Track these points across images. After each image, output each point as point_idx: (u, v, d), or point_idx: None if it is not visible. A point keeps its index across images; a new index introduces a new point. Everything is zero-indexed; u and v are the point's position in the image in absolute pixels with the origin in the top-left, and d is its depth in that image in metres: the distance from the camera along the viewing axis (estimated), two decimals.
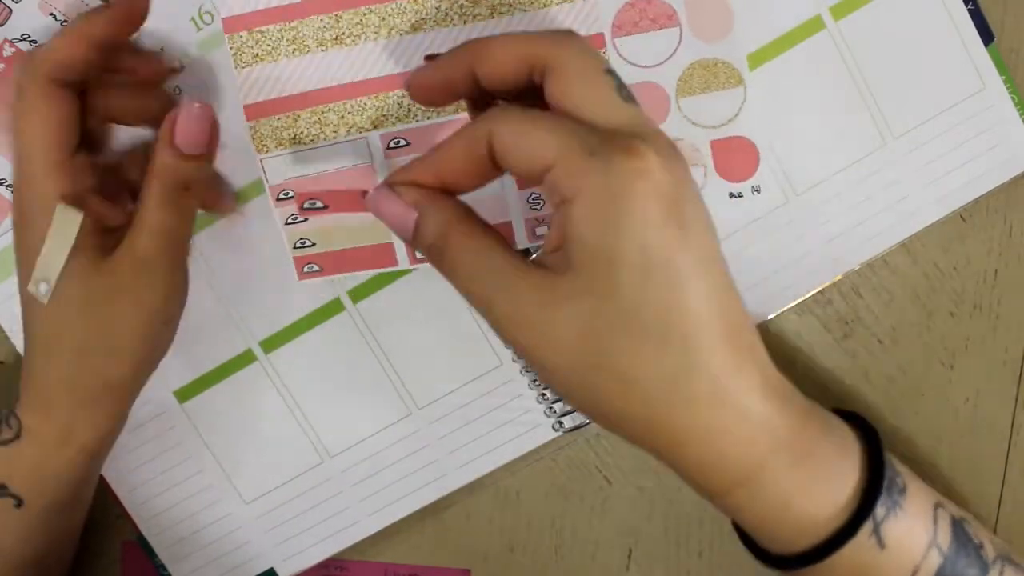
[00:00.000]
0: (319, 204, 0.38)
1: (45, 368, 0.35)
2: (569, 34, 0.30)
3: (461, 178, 0.30)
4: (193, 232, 0.42)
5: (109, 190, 0.37)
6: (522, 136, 0.28)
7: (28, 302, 0.35)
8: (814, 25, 0.40)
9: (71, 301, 0.34)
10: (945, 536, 0.32)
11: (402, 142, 0.39)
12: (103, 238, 0.35)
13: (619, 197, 0.27)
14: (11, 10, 0.40)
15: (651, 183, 0.27)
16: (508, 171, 0.29)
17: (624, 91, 0.29)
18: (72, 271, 0.34)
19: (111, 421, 0.37)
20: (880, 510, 0.30)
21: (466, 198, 0.31)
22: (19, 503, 0.36)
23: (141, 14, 0.36)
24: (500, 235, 0.30)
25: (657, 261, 0.27)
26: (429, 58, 0.34)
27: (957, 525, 0.32)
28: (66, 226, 0.34)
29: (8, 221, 0.41)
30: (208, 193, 0.40)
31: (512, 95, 0.31)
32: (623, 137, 0.27)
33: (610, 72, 0.29)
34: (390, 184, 0.30)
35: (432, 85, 0.32)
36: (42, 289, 0.34)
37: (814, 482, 0.29)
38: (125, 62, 0.38)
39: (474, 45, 0.30)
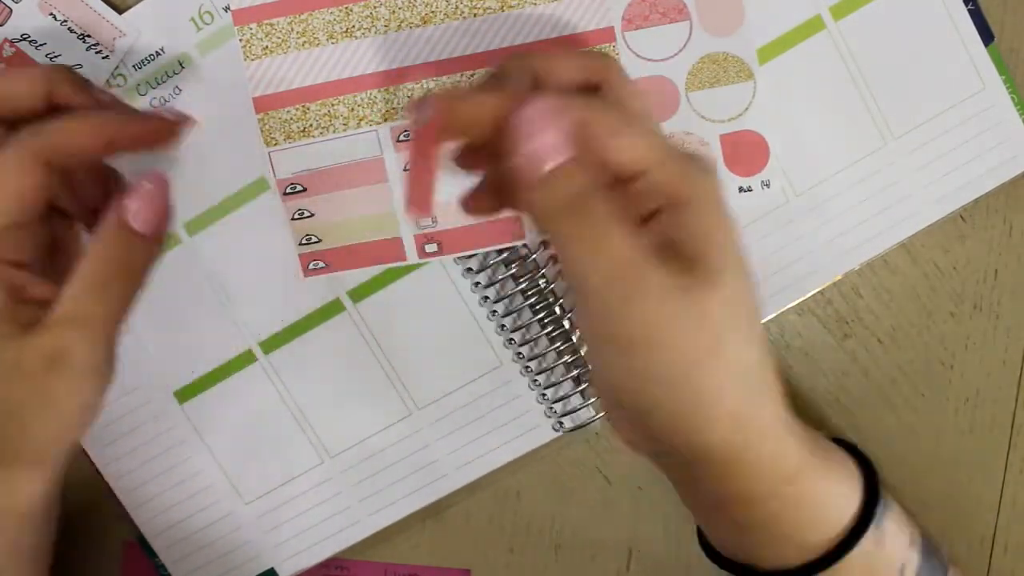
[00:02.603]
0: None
1: None
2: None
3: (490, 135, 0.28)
4: (161, 255, 0.35)
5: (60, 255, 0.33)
6: (618, 135, 0.28)
7: None
8: (814, 25, 0.40)
9: None
10: (917, 539, 0.35)
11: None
12: (29, 310, 0.31)
13: (723, 202, 0.29)
14: (11, 10, 0.40)
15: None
16: (590, 159, 0.28)
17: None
18: None
19: (32, 485, 0.32)
20: (879, 509, 0.32)
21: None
22: None
23: (175, 138, 0.33)
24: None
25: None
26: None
27: (924, 535, 0.36)
28: None
29: None
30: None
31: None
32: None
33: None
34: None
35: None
36: None
37: (836, 484, 0.32)
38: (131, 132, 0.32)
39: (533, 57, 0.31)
